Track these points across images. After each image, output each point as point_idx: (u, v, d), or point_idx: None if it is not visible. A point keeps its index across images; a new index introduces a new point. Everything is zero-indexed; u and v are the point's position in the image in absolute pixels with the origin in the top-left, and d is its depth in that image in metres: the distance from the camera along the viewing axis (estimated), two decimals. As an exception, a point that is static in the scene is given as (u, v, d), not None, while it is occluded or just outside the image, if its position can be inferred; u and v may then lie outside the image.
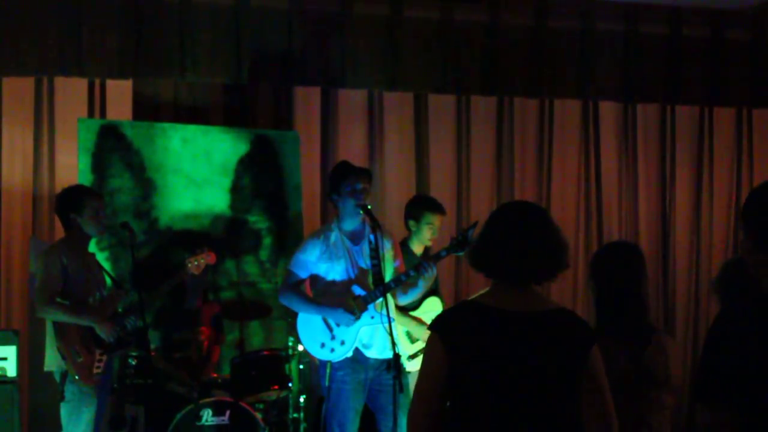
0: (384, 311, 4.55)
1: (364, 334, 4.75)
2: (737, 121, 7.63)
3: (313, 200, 6.67)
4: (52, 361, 4.79)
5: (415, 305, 5.39)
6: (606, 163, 7.36)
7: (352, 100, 6.91)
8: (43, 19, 6.10)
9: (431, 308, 5.43)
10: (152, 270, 5.66)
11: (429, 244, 5.53)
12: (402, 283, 4.77)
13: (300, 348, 5.59)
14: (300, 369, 5.82)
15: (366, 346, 4.75)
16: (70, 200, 4.88)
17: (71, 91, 6.34)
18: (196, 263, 5.17)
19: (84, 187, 5.33)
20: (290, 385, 5.48)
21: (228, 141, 6.32)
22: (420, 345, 5.34)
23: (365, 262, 4.77)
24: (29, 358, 5.71)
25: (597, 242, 7.15)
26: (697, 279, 7.42)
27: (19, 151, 6.28)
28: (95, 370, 4.74)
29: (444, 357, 2.56)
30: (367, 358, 4.75)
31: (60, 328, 4.72)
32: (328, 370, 4.73)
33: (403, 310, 5.30)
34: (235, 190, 6.29)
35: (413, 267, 4.80)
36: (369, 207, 4.74)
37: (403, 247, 5.28)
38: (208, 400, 5.22)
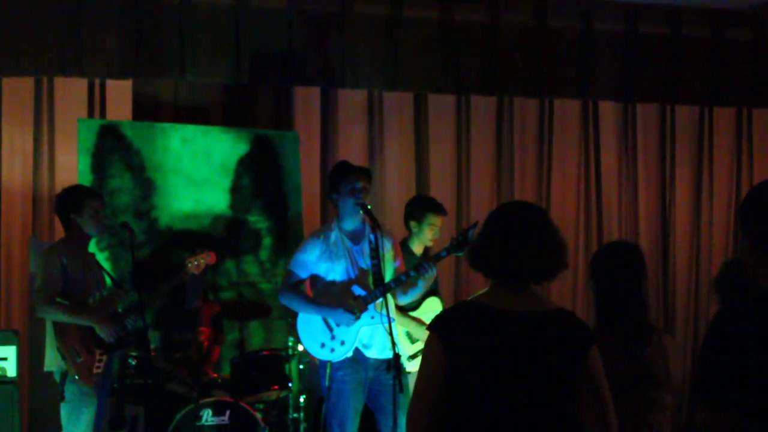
0: (384, 311, 4.55)
1: (364, 334, 4.74)
2: (737, 121, 7.63)
3: (312, 200, 6.67)
4: (52, 361, 4.78)
5: (415, 305, 5.39)
6: (606, 163, 7.36)
7: (351, 100, 6.91)
8: (43, 19, 6.10)
9: (431, 308, 5.43)
10: (152, 270, 5.66)
11: (430, 244, 5.53)
12: (402, 283, 4.77)
13: (300, 348, 5.59)
14: (300, 369, 5.83)
15: (366, 346, 4.75)
16: (70, 200, 4.88)
17: (71, 91, 6.34)
18: (196, 263, 5.17)
19: (84, 187, 5.33)
20: (290, 385, 5.48)
21: (228, 141, 6.32)
22: (420, 345, 5.34)
23: (365, 262, 4.77)
24: (29, 358, 5.71)
25: (597, 242, 7.15)
26: (697, 279, 7.42)
27: (19, 151, 6.28)
28: (95, 370, 4.74)
29: (443, 357, 2.56)
30: (367, 358, 4.75)
31: (60, 328, 4.72)
32: (328, 370, 4.73)
33: (403, 311, 5.30)
34: (235, 190, 6.29)
35: (413, 267, 4.80)
36: (369, 207, 4.73)
37: (403, 247, 5.28)
38: (208, 400, 5.22)
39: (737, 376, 2.11)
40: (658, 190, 7.46)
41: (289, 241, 6.25)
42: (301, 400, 5.73)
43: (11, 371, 5.40)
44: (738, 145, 7.62)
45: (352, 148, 6.75)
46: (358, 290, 4.73)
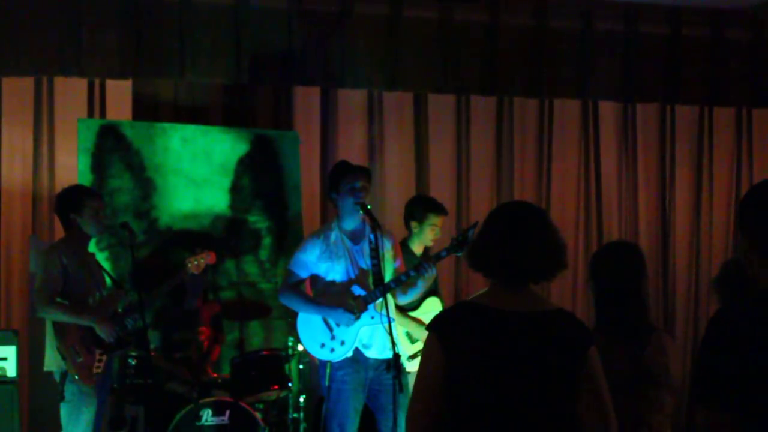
0: (384, 311, 4.55)
1: (364, 334, 4.74)
2: (737, 121, 7.63)
3: (312, 200, 6.67)
4: (51, 361, 4.78)
5: (415, 305, 5.39)
6: (606, 163, 7.36)
7: (351, 100, 6.91)
8: (43, 19, 6.10)
9: (431, 308, 5.43)
10: (152, 270, 5.66)
11: (431, 244, 5.53)
12: (402, 283, 4.77)
13: (300, 348, 5.59)
14: (300, 369, 5.83)
15: (366, 346, 4.75)
16: (70, 200, 4.88)
17: (71, 91, 6.34)
18: (196, 263, 5.17)
19: (84, 187, 5.33)
20: (290, 385, 5.48)
21: (228, 141, 6.32)
22: (420, 345, 5.34)
23: (365, 262, 4.77)
24: (29, 358, 5.71)
25: (597, 242, 7.15)
26: (697, 278, 7.42)
27: (19, 151, 6.28)
28: (95, 370, 4.74)
29: (442, 357, 2.56)
30: (367, 358, 4.75)
31: (60, 328, 4.72)
32: (328, 370, 4.73)
33: (403, 311, 5.30)
34: (235, 190, 6.29)
35: (413, 267, 4.80)
36: (369, 207, 4.73)
37: (403, 247, 5.28)
38: (207, 400, 5.22)
39: (736, 376, 2.11)
40: (657, 190, 7.46)
41: (289, 241, 6.25)
42: (301, 400, 5.74)
43: (11, 371, 5.40)
44: (738, 145, 7.62)
45: (352, 148, 6.75)
46: (357, 290, 4.73)
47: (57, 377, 4.74)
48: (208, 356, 5.68)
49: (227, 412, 5.19)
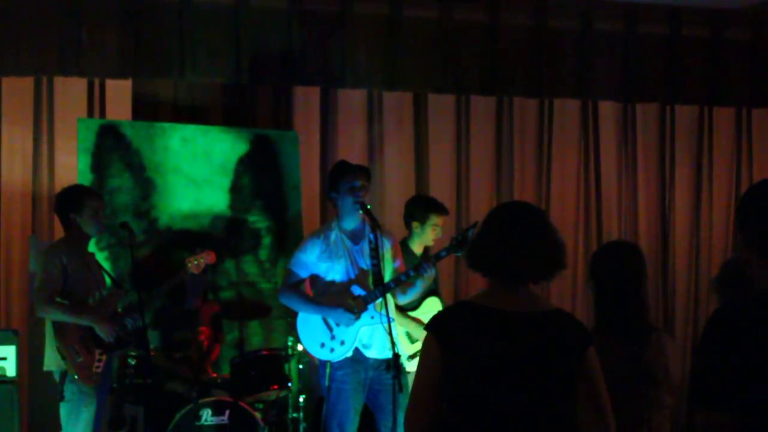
0: (383, 311, 4.55)
1: (364, 334, 4.75)
2: (737, 121, 7.63)
3: (312, 200, 6.67)
4: (51, 360, 4.78)
5: (415, 305, 5.39)
6: (605, 163, 7.36)
7: (351, 100, 6.91)
8: (43, 18, 6.10)
9: (431, 308, 5.42)
10: (152, 270, 5.66)
11: (432, 244, 5.53)
12: (402, 283, 4.77)
13: (299, 348, 5.59)
14: (299, 369, 5.82)
15: (366, 346, 4.75)
16: (70, 200, 4.88)
17: (71, 91, 6.33)
18: (196, 263, 5.17)
19: (83, 186, 5.33)
20: (290, 384, 5.48)
21: (227, 141, 6.32)
22: (419, 345, 5.34)
23: (365, 262, 4.77)
24: (29, 358, 5.71)
25: (596, 242, 7.15)
26: (697, 278, 7.42)
27: (19, 150, 6.28)
28: (95, 370, 4.74)
29: (440, 357, 2.57)
30: (367, 358, 4.75)
31: (59, 328, 4.72)
32: (327, 370, 4.73)
33: (403, 311, 5.30)
34: (235, 189, 6.29)
35: (413, 267, 4.80)
36: (368, 207, 4.73)
37: (404, 246, 5.28)
38: (207, 399, 5.22)
39: (735, 375, 2.11)
40: (657, 190, 7.46)
41: (288, 241, 6.25)
42: (301, 399, 5.73)
43: (11, 371, 5.40)
44: (737, 145, 7.62)
45: (351, 148, 6.75)
46: (357, 290, 4.73)
47: (57, 377, 4.74)
48: (208, 356, 5.68)
49: (227, 412, 5.19)
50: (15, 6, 6.08)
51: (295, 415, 5.70)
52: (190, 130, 6.29)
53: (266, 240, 6.31)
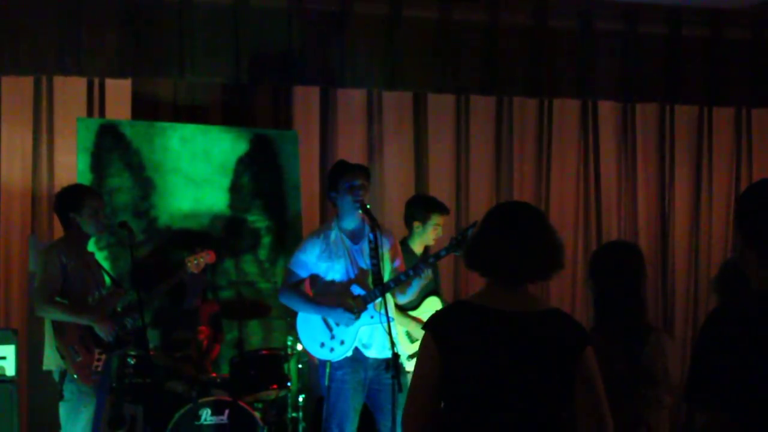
0: (383, 311, 4.55)
1: (364, 334, 4.75)
2: (736, 121, 7.63)
3: (312, 200, 6.67)
4: (51, 360, 4.78)
5: (415, 305, 5.39)
6: (605, 163, 7.36)
7: (351, 100, 6.91)
8: (43, 18, 6.10)
9: (431, 308, 5.42)
10: (151, 269, 5.66)
11: (432, 243, 5.53)
12: (401, 282, 4.77)
13: (299, 347, 5.59)
14: (299, 368, 5.83)
15: (365, 346, 4.75)
16: (70, 199, 4.88)
17: (70, 91, 6.34)
18: (195, 262, 5.17)
19: (83, 186, 5.33)
20: (289, 384, 5.49)
21: (227, 140, 6.32)
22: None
23: (365, 262, 4.77)
24: (28, 358, 5.71)
25: (596, 242, 7.15)
26: (696, 278, 7.43)
27: (18, 150, 6.28)
28: (94, 370, 4.74)
29: (437, 356, 2.57)
30: (367, 358, 4.75)
31: (59, 328, 4.71)
32: (327, 370, 4.73)
33: (403, 310, 5.30)
34: (234, 189, 6.29)
35: (411, 267, 4.80)
36: (368, 206, 4.73)
37: (404, 246, 5.28)
38: (206, 399, 5.22)
39: (732, 375, 2.11)
40: (657, 190, 7.46)
41: (288, 240, 6.25)
42: (300, 399, 5.74)
43: (10, 370, 5.40)
44: (737, 145, 7.63)
45: (351, 148, 6.75)
46: (357, 290, 4.73)
47: (56, 376, 4.74)
48: (208, 355, 5.68)
49: (226, 412, 5.19)
50: (14, 5, 6.08)
51: (294, 414, 5.70)
52: (189, 130, 6.29)
53: (266, 240, 6.31)
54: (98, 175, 5.97)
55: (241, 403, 5.23)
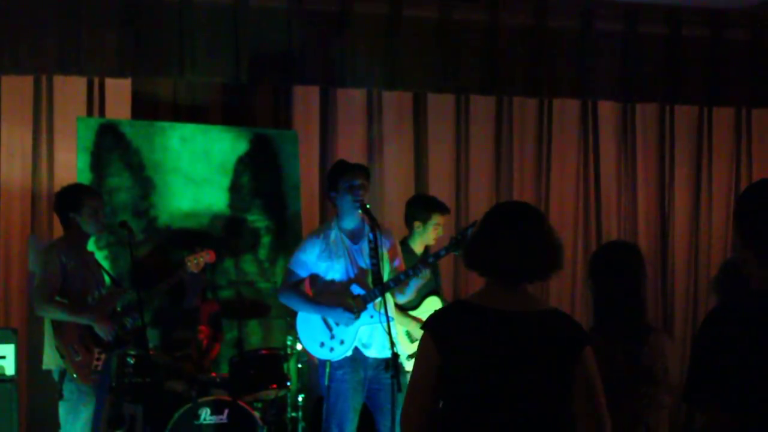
0: (383, 310, 4.55)
1: (364, 334, 4.75)
2: (736, 121, 7.63)
3: (311, 199, 6.67)
4: (50, 359, 4.78)
5: (415, 305, 5.40)
6: (605, 163, 7.36)
7: (351, 100, 6.91)
8: (42, 17, 6.10)
9: (431, 308, 5.42)
10: (151, 269, 5.66)
11: (433, 243, 5.53)
12: (401, 282, 4.77)
13: (298, 347, 5.59)
14: (298, 368, 5.83)
15: (365, 346, 4.75)
16: (69, 199, 4.88)
17: (70, 90, 6.33)
18: (195, 262, 5.17)
19: (83, 185, 5.33)
20: (288, 384, 5.49)
21: (227, 140, 6.32)
22: (419, 344, 5.34)
23: (364, 261, 4.77)
24: (28, 357, 5.71)
25: (596, 242, 7.14)
26: (696, 278, 7.43)
27: (18, 149, 6.27)
28: (93, 369, 4.74)
29: (436, 356, 2.57)
30: (366, 357, 4.75)
31: (58, 327, 4.72)
32: (327, 369, 4.73)
33: (403, 310, 5.31)
34: (234, 189, 6.29)
35: (410, 267, 4.81)
36: (368, 206, 4.74)
37: (404, 246, 5.28)
38: (206, 398, 5.22)
39: (730, 375, 2.11)
40: (657, 190, 7.46)
41: (288, 240, 6.25)
42: (300, 399, 5.74)
43: (10, 369, 5.41)
44: (737, 145, 7.62)
45: (351, 148, 6.75)
46: (357, 289, 4.73)
47: (55, 376, 4.74)
48: (207, 355, 5.68)
49: (226, 411, 5.20)
50: (14, 4, 6.08)
51: (293, 414, 5.71)
52: (189, 130, 6.29)
53: (265, 239, 6.31)
54: (98, 175, 5.97)
55: (241, 403, 5.23)
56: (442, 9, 6.84)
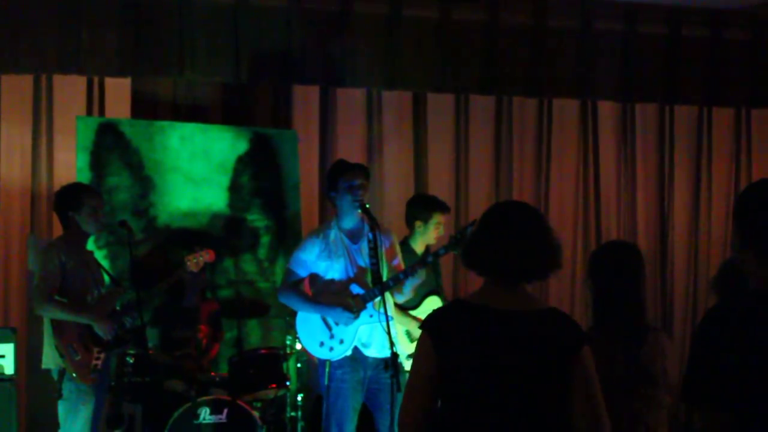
0: (382, 310, 4.55)
1: (363, 333, 4.74)
2: (736, 121, 7.64)
3: (311, 199, 6.67)
4: (49, 358, 4.78)
5: (416, 304, 5.40)
6: (604, 163, 7.36)
7: (350, 99, 6.91)
8: (42, 17, 6.10)
9: (431, 308, 5.37)
10: (150, 268, 5.66)
11: (434, 242, 5.53)
12: (400, 281, 4.77)
13: (298, 346, 5.59)
14: (298, 367, 5.83)
15: (365, 345, 4.75)
16: (69, 198, 4.88)
17: (70, 89, 6.33)
18: (194, 261, 5.18)
19: (82, 185, 5.32)
20: (288, 383, 5.49)
21: (227, 139, 6.32)
22: (418, 344, 5.34)
23: (364, 261, 4.77)
24: (27, 356, 5.71)
25: (595, 242, 7.14)
26: (696, 278, 7.43)
27: (18, 148, 6.28)
28: (93, 368, 4.74)
29: (434, 356, 2.57)
30: (366, 357, 4.75)
31: (58, 326, 4.71)
32: (327, 369, 4.73)
33: (403, 309, 5.31)
34: (234, 188, 6.29)
35: (408, 267, 4.81)
36: (367, 205, 4.73)
37: (405, 246, 5.28)
38: (205, 398, 5.21)
39: (729, 375, 2.11)
40: (656, 190, 7.47)
41: (287, 239, 6.25)
42: (299, 398, 5.74)
43: (9, 369, 5.40)
44: (737, 145, 7.63)
45: (351, 147, 6.75)
46: (356, 289, 4.73)
47: (55, 375, 4.74)
48: (207, 354, 5.68)
49: (225, 411, 5.19)
50: (14, 4, 6.08)
51: (293, 413, 5.71)
52: (189, 129, 6.29)
53: (265, 239, 6.31)
54: (97, 174, 5.97)
55: (240, 402, 5.23)
56: (442, 9, 6.85)
